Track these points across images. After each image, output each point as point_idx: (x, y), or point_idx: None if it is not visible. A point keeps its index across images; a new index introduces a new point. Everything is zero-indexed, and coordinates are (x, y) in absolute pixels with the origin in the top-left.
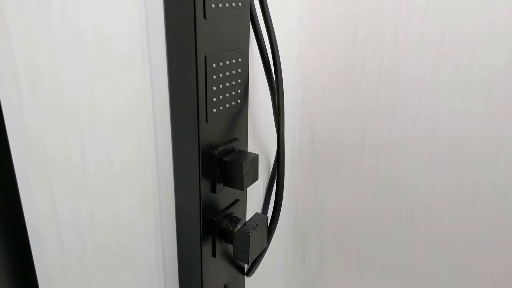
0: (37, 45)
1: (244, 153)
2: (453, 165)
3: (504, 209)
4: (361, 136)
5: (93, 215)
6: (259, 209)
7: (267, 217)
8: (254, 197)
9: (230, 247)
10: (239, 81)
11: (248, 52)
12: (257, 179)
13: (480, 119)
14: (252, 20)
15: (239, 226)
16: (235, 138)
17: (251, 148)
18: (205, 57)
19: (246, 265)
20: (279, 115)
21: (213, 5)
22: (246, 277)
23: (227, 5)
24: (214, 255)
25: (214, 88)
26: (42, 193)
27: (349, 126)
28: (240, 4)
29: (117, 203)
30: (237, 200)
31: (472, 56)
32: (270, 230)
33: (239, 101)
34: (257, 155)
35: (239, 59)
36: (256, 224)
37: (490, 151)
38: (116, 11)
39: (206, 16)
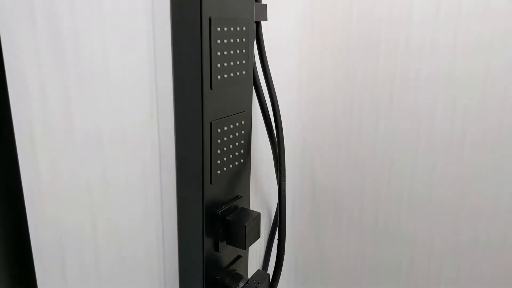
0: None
1: (246, 211)
2: (451, 217)
3: (500, 263)
4: (360, 187)
5: (99, 268)
6: (260, 263)
7: (269, 275)
8: (256, 251)
9: None
10: (242, 142)
11: (251, 114)
12: (259, 237)
13: (474, 176)
14: (255, 84)
15: (241, 285)
16: (238, 196)
17: (253, 203)
18: (211, 123)
19: None
20: (280, 172)
21: (219, 77)
22: None
23: (232, 74)
24: None
25: (219, 151)
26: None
27: (348, 178)
28: (244, 72)
29: (123, 260)
30: (239, 256)
31: (465, 122)
32: (272, 286)
33: (242, 160)
34: (259, 213)
35: (242, 122)
36: (258, 283)
37: (486, 205)
38: (128, 102)
39: (213, 87)
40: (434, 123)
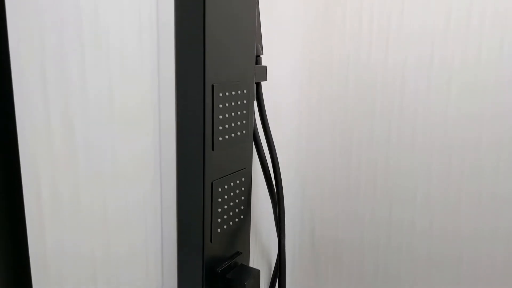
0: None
1: (246, 269)
2: (450, 270)
3: None
4: (360, 240)
5: None
6: None
7: None
8: None
9: None
10: (242, 198)
11: (251, 171)
12: None
13: (471, 232)
14: (256, 141)
15: None
16: (238, 252)
17: (252, 257)
18: (212, 184)
19: None
20: (280, 228)
21: (220, 138)
22: None
23: (233, 135)
24: None
25: (219, 209)
26: None
27: (348, 231)
28: (244, 131)
29: None
30: None
31: (460, 182)
32: None
33: (242, 216)
34: (259, 271)
35: (243, 179)
36: None
37: (482, 260)
38: (132, 170)
39: (214, 148)
40: (430, 182)
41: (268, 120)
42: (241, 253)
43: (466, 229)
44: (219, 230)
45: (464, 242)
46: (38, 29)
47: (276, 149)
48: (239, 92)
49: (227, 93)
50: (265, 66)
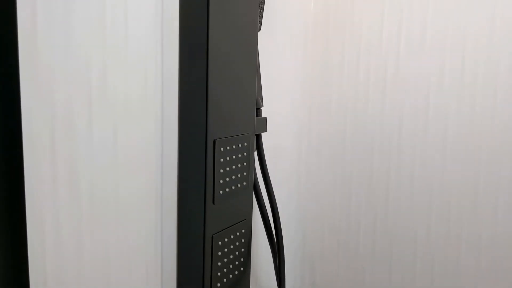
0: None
1: None
2: None
3: None
4: (361, 281)
5: None
6: None
7: None
8: None
9: None
10: (242, 250)
11: (251, 222)
12: None
13: (471, 273)
14: (256, 191)
15: None
16: None
17: None
18: (212, 237)
19: None
20: (280, 280)
21: (221, 192)
22: None
23: (233, 187)
24: None
25: (219, 263)
26: None
27: (348, 272)
28: (244, 183)
29: None
30: None
31: (459, 224)
32: None
33: (241, 269)
34: None
35: (243, 230)
36: None
37: None
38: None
39: (215, 202)
40: (430, 223)
41: (268, 163)
42: None
43: (467, 268)
44: (218, 285)
45: (465, 280)
46: (48, 84)
47: (276, 186)
48: (240, 145)
49: (228, 147)
50: (265, 118)
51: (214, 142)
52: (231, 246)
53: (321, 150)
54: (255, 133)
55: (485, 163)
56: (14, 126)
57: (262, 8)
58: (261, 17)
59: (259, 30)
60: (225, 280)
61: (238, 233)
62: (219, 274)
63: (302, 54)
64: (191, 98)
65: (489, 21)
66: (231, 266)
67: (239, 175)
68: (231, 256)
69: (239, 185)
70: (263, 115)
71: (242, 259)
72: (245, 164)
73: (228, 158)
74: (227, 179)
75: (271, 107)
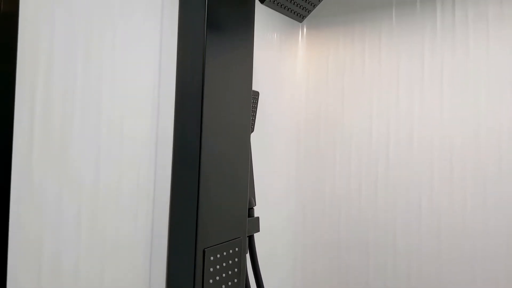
0: None
1: None
2: None
3: None
4: None
5: None
6: None
7: None
8: None
9: None
10: None
11: None
12: None
13: None
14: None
15: None
16: None
17: None
18: None
19: None
20: None
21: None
22: None
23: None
24: None
25: None
26: None
27: None
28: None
29: None
30: None
31: None
32: None
33: None
34: None
35: None
36: None
37: None
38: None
39: None
40: None
41: (262, 268)
42: None
43: None
44: None
45: None
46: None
47: None
48: (231, 251)
49: (218, 255)
50: (258, 218)
51: (204, 251)
52: None
53: (317, 254)
54: (247, 235)
55: (480, 260)
56: None
57: (254, 111)
58: (253, 120)
59: (252, 131)
60: None
61: None
62: None
63: (295, 154)
64: (182, 208)
65: (475, 126)
66: None
67: (229, 283)
68: None
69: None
70: (255, 215)
71: None
72: (236, 270)
73: (218, 267)
74: None
75: (264, 205)
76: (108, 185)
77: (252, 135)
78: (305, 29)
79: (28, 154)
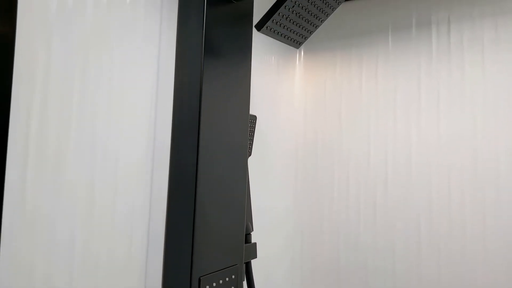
0: None
1: None
2: None
3: None
4: None
5: None
6: None
7: None
8: None
9: None
10: None
11: None
12: None
13: None
14: None
15: None
16: None
17: None
18: None
19: None
20: None
21: None
22: None
23: None
24: None
25: None
26: None
27: None
28: None
29: None
30: None
31: None
32: None
33: None
34: None
35: None
36: None
37: None
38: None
39: None
40: None
41: None
42: None
43: None
44: None
45: None
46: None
47: None
48: (227, 279)
49: (214, 284)
50: (255, 243)
51: (199, 280)
52: None
53: (316, 280)
54: (244, 261)
55: (481, 286)
56: None
57: (252, 135)
58: (251, 144)
59: (249, 155)
60: None
61: None
62: None
63: (293, 179)
64: (177, 234)
65: (472, 149)
66: None
67: None
68: None
69: None
70: (253, 240)
71: None
72: None
73: None
74: None
75: (262, 230)
76: (103, 208)
77: (250, 159)
78: (302, 53)
79: (22, 176)
